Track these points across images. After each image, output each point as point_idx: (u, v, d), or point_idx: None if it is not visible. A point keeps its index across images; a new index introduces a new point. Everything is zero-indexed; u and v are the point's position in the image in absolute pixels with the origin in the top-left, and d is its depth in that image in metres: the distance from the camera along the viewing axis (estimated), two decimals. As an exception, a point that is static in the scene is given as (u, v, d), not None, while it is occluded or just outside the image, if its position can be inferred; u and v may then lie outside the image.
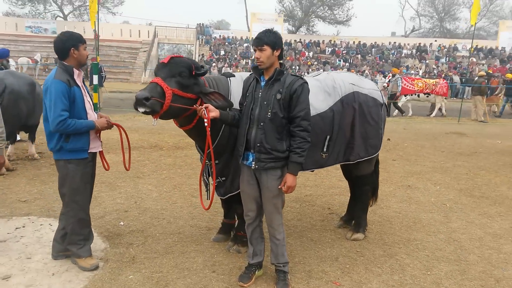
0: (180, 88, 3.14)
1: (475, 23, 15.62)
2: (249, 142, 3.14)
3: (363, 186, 4.27)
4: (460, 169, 7.47)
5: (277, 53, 3.06)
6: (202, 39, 36.18)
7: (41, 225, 4.29)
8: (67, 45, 3.27)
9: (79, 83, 3.37)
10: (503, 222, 4.85)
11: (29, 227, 4.23)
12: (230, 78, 3.66)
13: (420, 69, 30.76)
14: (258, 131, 3.08)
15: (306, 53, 35.20)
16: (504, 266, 3.75)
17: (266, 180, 3.12)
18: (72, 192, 3.34)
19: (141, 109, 2.99)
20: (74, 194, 3.35)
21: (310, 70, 29.39)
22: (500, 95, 18.48)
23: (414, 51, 35.65)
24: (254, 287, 3.26)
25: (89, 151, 3.37)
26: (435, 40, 38.22)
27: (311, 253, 3.89)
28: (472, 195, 5.92)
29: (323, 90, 3.82)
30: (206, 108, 3.06)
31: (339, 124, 3.79)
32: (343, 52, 35.67)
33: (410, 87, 15.90)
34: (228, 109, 3.33)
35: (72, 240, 3.42)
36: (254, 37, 3.18)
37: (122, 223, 4.42)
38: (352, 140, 3.91)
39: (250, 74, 3.35)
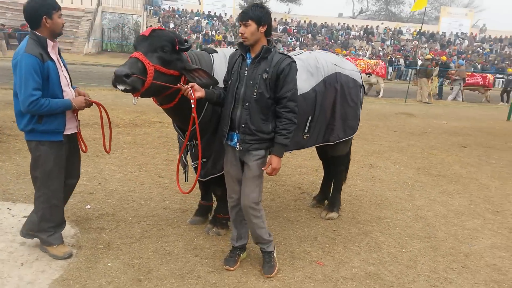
0: (162, 64, 2.92)
1: (417, 10, 16.34)
2: (234, 122, 3.02)
3: (339, 166, 4.32)
4: (414, 149, 7.82)
5: (262, 29, 2.89)
6: (150, 10, 34.61)
7: (-2, 209, 3.93)
8: (39, 12, 2.87)
9: (54, 56, 3.01)
10: (462, 200, 5.16)
11: None
12: (213, 54, 3.48)
13: (367, 50, 31.63)
14: (243, 112, 2.96)
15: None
16: (470, 242, 3.99)
17: (248, 159, 3.03)
18: (44, 176, 3.05)
19: (121, 87, 2.75)
20: (47, 179, 3.05)
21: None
22: (432, 77, 19.00)
23: (361, 32, 36.56)
24: (240, 270, 3.21)
25: (64, 133, 3.06)
26: (382, 23, 39.39)
27: (290, 233, 3.90)
28: (429, 173, 6.23)
29: (306, 69, 3.75)
30: (191, 87, 2.89)
31: (320, 104, 3.76)
32: (295, 31, 35.79)
33: None
34: (211, 87, 3.18)
35: (42, 227, 3.14)
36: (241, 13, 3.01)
37: (89, 206, 4.15)
38: (332, 121, 3.91)
39: (236, 50, 3.19)
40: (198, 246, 3.53)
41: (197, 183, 3.89)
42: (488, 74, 19.52)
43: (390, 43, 34.90)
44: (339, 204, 4.43)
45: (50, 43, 2.97)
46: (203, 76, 3.09)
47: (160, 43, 2.92)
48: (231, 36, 32.95)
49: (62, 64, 3.12)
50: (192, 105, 2.90)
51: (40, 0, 2.90)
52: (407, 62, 28.26)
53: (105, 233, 3.63)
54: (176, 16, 35.35)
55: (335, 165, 4.34)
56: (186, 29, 33.31)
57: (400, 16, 50.49)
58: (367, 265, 3.42)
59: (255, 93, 2.91)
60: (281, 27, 36.25)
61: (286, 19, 37.88)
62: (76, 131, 3.23)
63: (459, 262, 3.57)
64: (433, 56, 22.29)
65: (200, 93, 2.91)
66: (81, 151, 3.38)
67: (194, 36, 31.38)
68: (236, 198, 3.22)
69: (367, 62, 16.84)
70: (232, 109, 3.02)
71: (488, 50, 34.68)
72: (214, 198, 3.95)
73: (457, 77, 18.30)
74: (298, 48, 30.22)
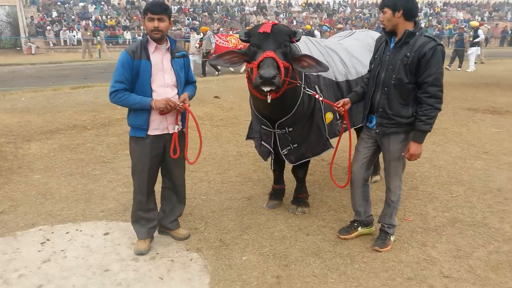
0: (284, 58, 2.99)
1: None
2: (373, 106, 3.15)
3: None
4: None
5: (399, 14, 2.89)
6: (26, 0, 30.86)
7: (67, 233, 3.58)
8: (142, 13, 3.05)
9: (157, 56, 3.03)
10: (453, 147, 6.02)
11: (56, 239, 3.48)
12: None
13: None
14: (382, 96, 3.05)
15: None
16: (488, 178, 4.80)
17: (387, 143, 3.13)
18: (132, 170, 3.24)
19: (268, 88, 2.83)
20: (132, 173, 3.24)
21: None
22: None
23: (255, 7, 37.33)
24: (352, 242, 3.45)
25: (148, 133, 3.06)
26: (273, -3, 40.56)
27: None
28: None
29: (367, 49, 4.03)
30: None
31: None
32: (190, 10, 35.10)
33: (224, 44, 15.18)
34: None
35: (133, 217, 3.36)
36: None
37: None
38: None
39: (381, 34, 3.27)
40: (300, 225, 3.70)
41: (273, 169, 4.02)
42: None
43: (284, 15, 36.29)
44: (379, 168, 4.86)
45: (152, 44, 3.02)
46: (311, 63, 3.14)
47: (283, 39, 2.98)
48: (124, 20, 31.15)
49: (171, 67, 3.09)
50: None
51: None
52: (303, 32, 29.87)
53: (204, 232, 3.59)
54: (58, 3, 32.09)
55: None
56: (73, 17, 30.59)
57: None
58: (443, 212, 3.96)
59: (393, 79, 2.97)
60: (176, 7, 35.28)
61: (179, -1, 36.88)
62: (165, 132, 3.14)
63: (496, 193, 4.32)
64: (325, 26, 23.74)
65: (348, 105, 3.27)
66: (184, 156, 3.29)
67: (83, 23, 28.96)
68: (359, 176, 3.37)
69: (238, 38, 15.93)
70: (372, 92, 3.15)
71: (368, 14, 38.13)
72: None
73: None
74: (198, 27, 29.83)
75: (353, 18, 36.57)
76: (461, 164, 5.31)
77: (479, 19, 35.95)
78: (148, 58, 2.98)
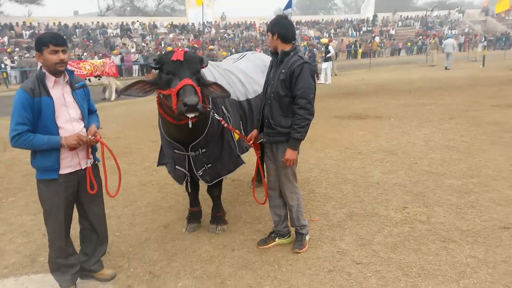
0: (198, 85, 3.18)
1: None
2: (264, 118, 3.55)
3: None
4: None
5: (275, 37, 3.36)
6: None
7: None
8: (35, 48, 2.87)
9: (57, 91, 2.90)
10: (436, 134, 6.86)
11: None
12: None
13: (133, 47, 31.83)
14: (267, 108, 3.49)
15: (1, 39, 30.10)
16: (476, 155, 5.63)
17: (276, 152, 3.55)
18: (44, 215, 3.05)
19: (192, 114, 2.98)
20: (46, 219, 3.05)
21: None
22: None
23: (119, 30, 36.22)
24: (275, 249, 3.75)
25: (60, 172, 2.94)
26: (137, 21, 39.79)
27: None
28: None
29: (259, 69, 4.44)
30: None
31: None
32: (45, 35, 32.44)
33: (78, 71, 13.88)
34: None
35: (51, 266, 3.16)
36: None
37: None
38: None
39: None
40: (224, 243, 3.89)
41: (188, 192, 4.15)
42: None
43: (151, 37, 35.95)
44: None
45: (50, 78, 2.88)
46: (217, 90, 3.44)
47: (196, 66, 3.17)
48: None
49: (74, 99, 2.99)
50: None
51: (39, 36, 2.90)
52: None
53: (129, 268, 3.53)
54: None
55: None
56: None
57: (146, 10, 52.00)
58: (340, 209, 4.55)
59: (273, 92, 3.43)
60: (27, 33, 32.31)
61: (31, 23, 33.79)
62: (78, 168, 3.05)
63: (376, 186, 5.13)
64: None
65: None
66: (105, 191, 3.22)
67: None
68: (272, 187, 3.71)
69: (93, 64, 14.90)
70: (263, 106, 3.56)
71: (232, 35, 40.09)
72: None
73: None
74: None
75: (219, 39, 38.02)
76: (343, 165, 6.10)
77: (327, 36, 40.70)
78: (49, 94, 2.83)
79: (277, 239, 3.82)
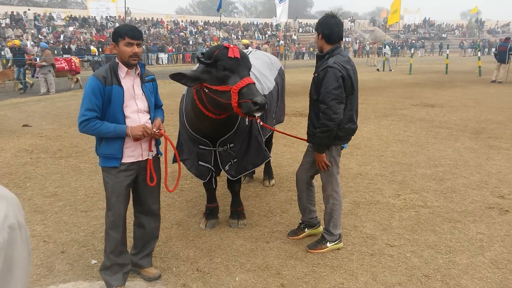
0: None
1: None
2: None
3: (270, 141, 5.24)
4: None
5: (320, 37, 3.34)
6: None
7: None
8: (112, 39, 2.83)
9: (128, 82, 2.84)
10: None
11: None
12: None
13: (27, 39, 28.71)
14: (310, 110, 3.50)
15: None
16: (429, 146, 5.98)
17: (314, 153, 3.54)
18: (106, 202, 2.97)
19: (260, 113, 2.94)
20: (107, 205, 2.96)
21: None
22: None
23: (8, 20, 32.35)
24: (306, 240, 3.82)
25: (123, 161, 2.87)
26: (29, 9, 35.90)
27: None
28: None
29: (267, 66, 4.44)
30: None
31: (280, 94, 4.60)
32: None
33: None
34: None
35: (104, 262, 3.01)
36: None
37: (94, 262, 3.40)
38: (282, 105, 4.81)
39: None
40: (253, 236, 3.84)
41: (205, 189, 4.02)
42: (72, 57, 16.89)
43: (48, 30, 32.79)
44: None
45: (123, 68, 2.83)
46: None
47: (249, 65, 3.12)
48: None
49: (143, 92, 2.91)
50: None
51: (117, 27, 2.85)
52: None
53: (169, 267, 3.30)
54: None
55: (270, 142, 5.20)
56: None
57: (38, 1, 47.17)
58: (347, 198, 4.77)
59: (310, 95, 3.48)
60: None
61: None
62: (141, 159, 2.95)
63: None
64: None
65: None
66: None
67: None
68: (300, 181, 3.74)
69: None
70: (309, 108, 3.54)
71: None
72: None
73: (44, 63, 14.33)
74: None
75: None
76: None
77: (235, 37, 41.42)
78: (120, 84, 2.81)
79: (306, 229, 3.88)
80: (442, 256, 3.48)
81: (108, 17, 39.17)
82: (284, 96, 5.08)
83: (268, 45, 21.93)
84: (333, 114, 3.20)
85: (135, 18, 41.04)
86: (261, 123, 3.62)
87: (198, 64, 3.34)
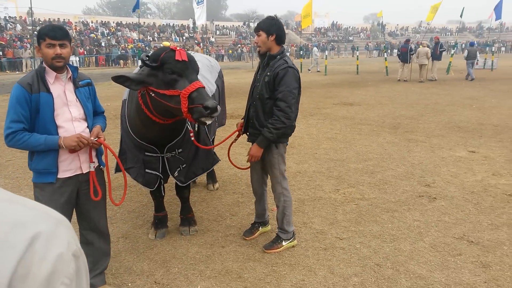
0: None
1: None
2: (248, 118, 3.56)
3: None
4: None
5: (272, 38, 3.32)
6: None
7: None
8: (36, 38, 2.60)
9: (58, 88, 2.60)
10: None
11: None
12: None
13: None
14: (251, 109, 3.52)
15: None
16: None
17: (264, 153, 3.51)
18: None
19: (212, 119, 2.90)
20: None
21: None
22: None
23: None
24: (261, 240, 3.86)
25: (58, 176, 2.64)
26: None
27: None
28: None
29: (207, 69, 4.38)
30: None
31: (220, 95, 4.56)
32: None
33: None
34: None
35: None
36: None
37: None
38: (223, 107, 4.78)
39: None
40: (207, 242, 3.76)
41: (153, 197, 3.88)
42: None
43: None
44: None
45: (51, 73, 2.59)
46: None
47: (197, 68, 3.04)
48: None
49: (77, 98, 2.66)
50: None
51: (39, 28, 2.64)
52: None
53: (124, 283, 3.11)
54: None
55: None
56: None
57: None
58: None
59: (258, 94, 3.46)
60: None
61: None
62: (78, 173, 2.72)
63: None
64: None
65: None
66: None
67: None
68: (257, 186, 3.77)
69: None
70: (248, 107, 3.55)
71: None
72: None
73: None
74: None
75: (28, 36, 33.29)
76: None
77: (151, 39, 40.30)
78: (48, 91, 2.56)
79: (260, 228, 3.93)
80: (388, 244, 3.72)
81: (7, 18, 35.74)
82: (225, 98, 5.06)
83: (200, 46, 21.64)
84: (291, 113, 3.29)
85: (39, 18, 38.02)
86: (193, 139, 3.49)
87: (139, 67, 3.19)
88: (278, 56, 3.42)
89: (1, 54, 26.95)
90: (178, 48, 3.02)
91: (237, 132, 3.78)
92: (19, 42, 30.19)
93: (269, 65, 3.44)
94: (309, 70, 25.66)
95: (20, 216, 0.62)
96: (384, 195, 4.90)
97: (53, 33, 2.49)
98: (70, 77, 2.65)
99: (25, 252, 0.58)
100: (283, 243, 3.65)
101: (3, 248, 0.57)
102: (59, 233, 0.64)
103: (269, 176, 3.73)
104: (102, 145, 2.77)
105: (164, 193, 3.91)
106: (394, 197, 4.85)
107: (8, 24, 34.85)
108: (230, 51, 43.12)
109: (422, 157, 6.43)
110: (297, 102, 3.37)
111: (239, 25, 52.47)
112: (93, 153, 2.76)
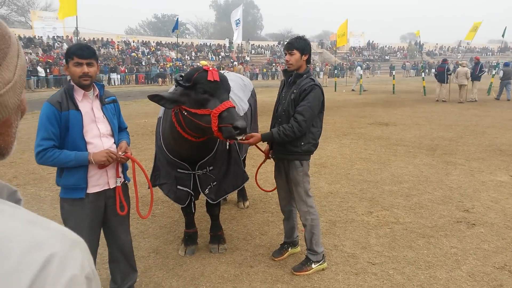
0: None
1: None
2: None
3: (244, 161, 5.20)
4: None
5: (305, 58, 3.39)
6: None
7: None
8: (65, 57, 2.70)
9: (86, 105, 2.69)
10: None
11: None
12: None
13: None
14: (276, 126, 3.51)
15: None
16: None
17: (287, 169, 3.57)
18: None
19: (241, 137, 2.93)
20: None
21: None
22: None
23: None
24: (290, 261, 3.81)
25: (88, 191, 2.70)
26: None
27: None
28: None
29: (241, 88, 4.44)
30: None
31: (253, 114, 4.60)
32: None
33: None
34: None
35: None
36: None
37: None
38: (255, 126, 4.81)
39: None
40: (236, 260, 3.75)
41: (183, 214, 3.91)
42: None
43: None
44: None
45: (79, 91, 2.68)
46: None
47: (228, 87, 3.11)
48: None
49: (103, 114, 2.76)
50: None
51: (68, 47, 2.71)
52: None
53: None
54: None
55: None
56: None
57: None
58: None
59: (284, 111, 3.47)
60: None
61: None
62: (106, 188, 2.80)
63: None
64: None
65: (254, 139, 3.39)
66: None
67: None
68: (284, 204, 3.78)
69: None
70: (273, 125, 3.57)
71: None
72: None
73: None
74: None
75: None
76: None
77: (189, 58, 41.36)
78: (77, 108, 2.64)
79: (290, 248, 3.88)
80: (423, 271, 3.57)
81: (55, 37, 37.80)
82: (257, 117, 5.10)
83: (242, 65, 22.17)
84: (306, 128, 3.33)
85: (84, 38, 39.92)
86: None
87: (174, 86, 3.29)
88: (305, 75, 3.46)
89: (48, 71, 28.42)
90: (211, 68, 3.09)
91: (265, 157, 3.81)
92: (64, 60, 31.83)
93: (296, 83, 3.47)
94: (353, 89, 25.44)
95: (36, 237, 0.63)
96: (420, 220, 4.73)
97: (81, 52, 2.59)
98: (97, 94, 2.76)
99: (39, 273, 0.59)
100: (313, 265, 3.58)
101: (18, 269, 0.58)
102: (73, 255, 0.65)
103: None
104: (127, 161, 2.85)
105: (195, 210, 3.94)
106: (430, 222, 4.67)
107: (56, 43, 36.81)
108: (265, 70, 43.54)
109: (461, 181, 6.17)
110: (320, 120, 3.43)
111: (274, 44, 53.07)
112: (120, 169, 2.84)
